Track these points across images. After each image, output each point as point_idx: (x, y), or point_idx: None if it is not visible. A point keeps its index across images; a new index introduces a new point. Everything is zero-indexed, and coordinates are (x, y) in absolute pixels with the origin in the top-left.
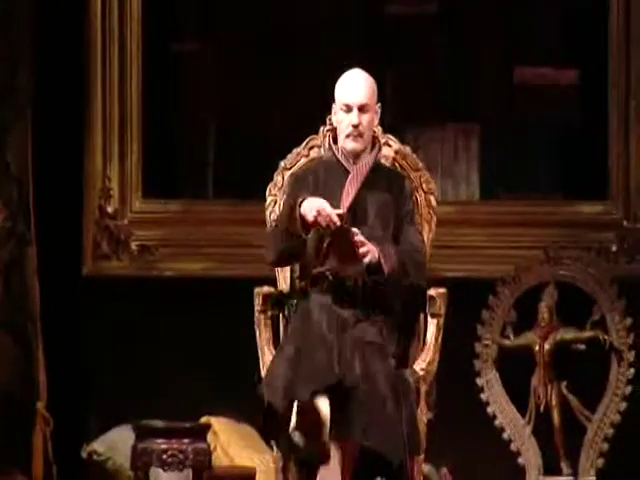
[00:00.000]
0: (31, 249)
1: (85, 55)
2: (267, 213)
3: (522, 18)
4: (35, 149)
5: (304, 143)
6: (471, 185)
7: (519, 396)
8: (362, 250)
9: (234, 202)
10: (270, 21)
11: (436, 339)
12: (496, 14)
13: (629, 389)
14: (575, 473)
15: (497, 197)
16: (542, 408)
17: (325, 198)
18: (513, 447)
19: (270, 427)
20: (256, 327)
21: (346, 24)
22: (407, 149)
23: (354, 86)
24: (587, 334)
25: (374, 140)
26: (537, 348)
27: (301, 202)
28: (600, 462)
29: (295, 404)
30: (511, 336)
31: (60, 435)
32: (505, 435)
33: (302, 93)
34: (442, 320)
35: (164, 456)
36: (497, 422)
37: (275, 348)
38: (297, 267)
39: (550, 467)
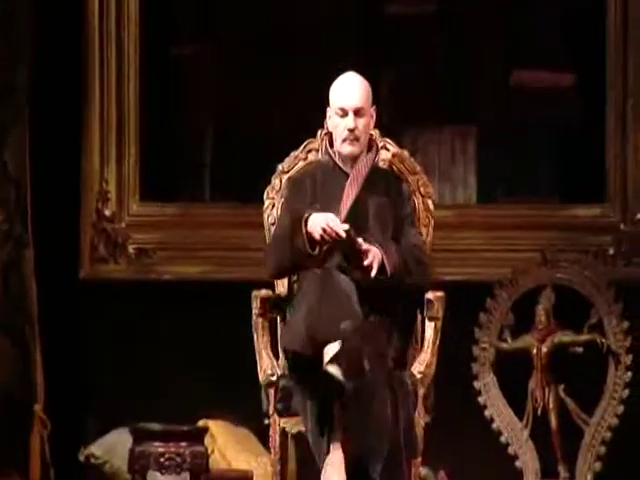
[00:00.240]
0: (28, 251)
1: (82, 57)
2: (265, 216)
3: (519, 21)
4: (32, 151)
5: (302, 146)
6: (468, 188)
7: (516, 399)
8: (368, 261)
9: (232, 205)
10: (268, 23)
11: (434, 342)
12: (494, 17)
13: (626, 392)
14: (572, 476)
15: (495, 200)
16: (539, 411)
17: (323, 201)
18: (510, 450)
19: (297, 371)
20: (254, 330)
21: (343, 29)
22: (405, 152)
23: (349, 90)
24: (584, 337)
25: (371, 143)
26: (534, 351)
27: (306, 219)
28: (597, 466)
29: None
30: (509, 339)
31: (58, 438)
32: (503, 438)
33: (300, 96)
34: (440, 323)
35: (161, 459)
36: (494, 425)
37: (273, 351)
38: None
39: (547, 470)
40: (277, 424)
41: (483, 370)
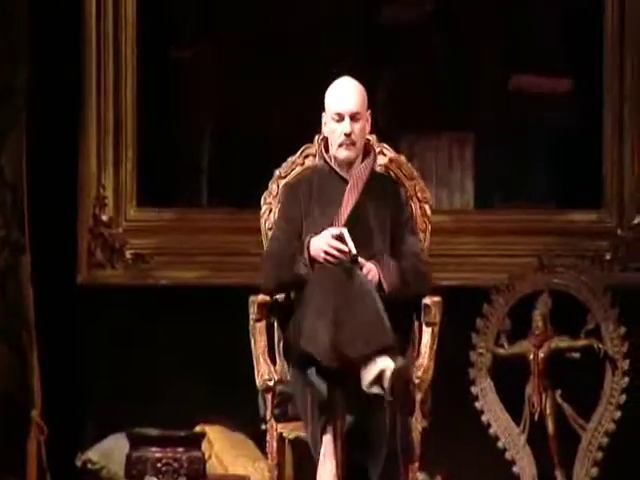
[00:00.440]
0: (25, 257)
1: (80, 61)
2: (262, 221)
3: (517, 26)
4: (29, 156)
5: (299, 152)
6: (466, 193)
7: (514, 405)
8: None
9: (229, 210)
10: (267, 26)
11: (431, 347)
12: (492, 21)
13: (623, 398)
14: None
15: (492, 206)
16: (537, 417)
17: (321, 206)
18: (508, 456)
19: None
20: (251, 335)
21: (342, 32)
22: (402, 158)
23: (344, 95)
24: (581, 342)
25: (368, 147)
26: (531, 357)
27: (308, 242)
28: (594, 471)
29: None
30: (505, 344)
31: (55, 443)
32: (500, 444)
33: (299, 100)
34: (437, 328)
35: (158, 465)
36: (492, 430)
37: (270, 356)
38: None
39: (545, 476)
40: (274, 429)
41: (480, 375)
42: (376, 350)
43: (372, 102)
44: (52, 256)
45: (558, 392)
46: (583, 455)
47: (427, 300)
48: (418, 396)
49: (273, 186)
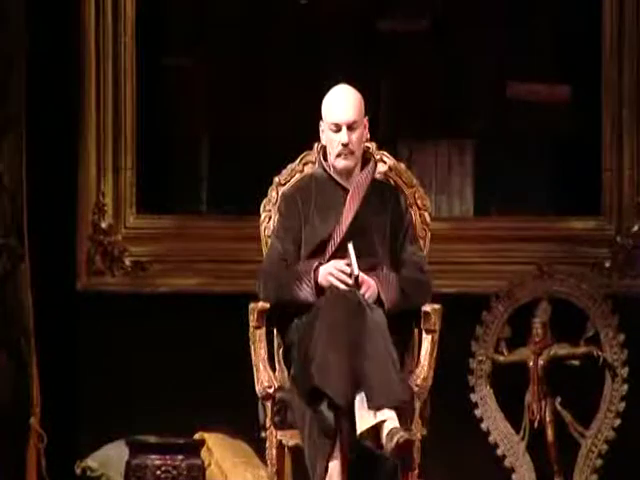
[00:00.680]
0: (24, 264)
1: (79, 69)
2: (261, 229)
3: (515, 34)
4: (28, 164)
5: (298, 159)
6: (465, 201)
7: (513, 412)
8: (361, 291)
9: (228, 218)
10: (263, 36)
11: (430, 354)
12: (490, 30)
13: (623, 405)
14: None
15: (491, 213)
16: (536, 424)
17: (319, 214)
18: (507, 463)
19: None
20: (251, 343)
21: (340, 42)
22: (402, 166)
23: (341, 105)
24: (581, 350)
25: (368, 156)
26: (531, 364)
27: (316, 269)
28: (594, 478)
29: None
30: (505, 352)
31: (54, 451)
32: (499, 451)
33: (296, 108)
34: (436, 335)
35: (158, 472)
36: (491, 438)
37: (270, 363)
38: None
39: None
40: (274, 437)
41: (479, 383)
42: (392, 405)
43: (372, 110)
44: (51, 263)
45: (558, 399)
46: (582, 462)
47: (427, 307)
48: (417, 404)
49: (272, 193)
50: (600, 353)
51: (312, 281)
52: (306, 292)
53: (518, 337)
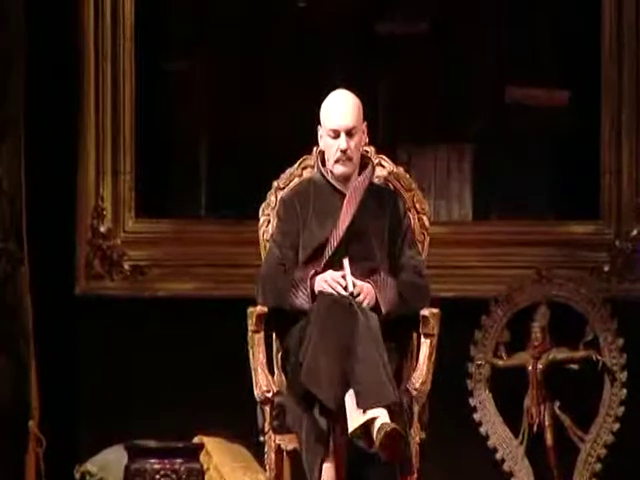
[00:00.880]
0: (23, 268)
1: (78, 72)
2: (260, 233)
3: (514, 37)
4: (27, 167)
5: (297, 163)
6: (464, 205)
7: (512, 416)
8: (360, 298)
9: (227, 222)
10: (262, 39)
11: (429, 359)
12: (488, 34)
13: (622, 410)
14: None
15: (490, 217)
16: (535, 428)
17: (317, 219)
18: (506, 467)
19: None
20: (249, 347)
21: (339, 45)
22: (400, 170)
23: (339, 111)
24: (580, 354)
25: (367, 160)
26: (530, 368)
27: (312, 277)
28: None
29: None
30: (504, 356)
31: (53, 455)
32: (498, 455)
33: (295, 111)
34: (435, 340)
35: (157, 476)
36: (490, 442)
37: (269, 368)
38: None
39: None
40: (273, 441)
41: (478, 387)
42: (382, 405)
43: (371, 114)
44: (50, 267)
45: (557, 404)
46: (582, 467)
47: (425, 312)
48: (416, 408)
49: (271, 197)
50: (599, 357)
51: (308, 289)
52: (302, 299)
53: (517, 341)
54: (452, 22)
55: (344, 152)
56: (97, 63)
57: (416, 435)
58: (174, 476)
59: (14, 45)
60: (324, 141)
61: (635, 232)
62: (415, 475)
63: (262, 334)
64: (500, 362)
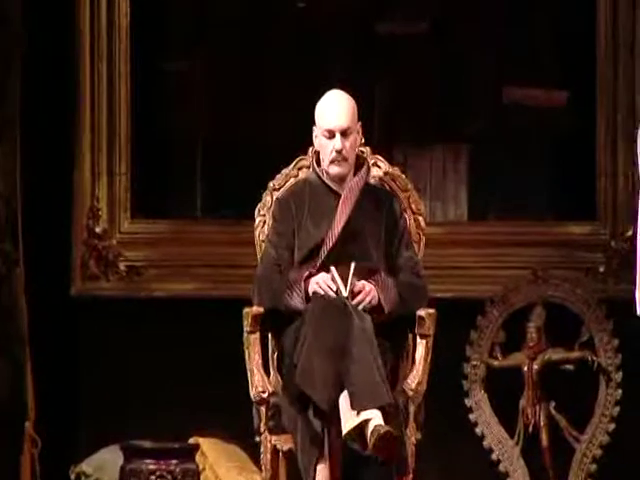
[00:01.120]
0: (19, 269)
1: (74, 73)
2: (256, 233)
3: (512, 38)
4: (23, 168)
5: (293, 163)
6: (460, 206)
7: (507, 417)
8: (360, 297)
9: (224, 222)
10: (261, 38)
11: (425, 359)
12: (486, 34)
13: (617, 410)
14: None
15: (486, 218)
16: (531, 429)
17: (313, 220)
18: (502, 468)
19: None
20: (245, 347)
21: (336, 45)
22: (396, 170)
23: (334, 111)
24: (575, 355)
25: (363, 160)
26: (526, 369)
27: (307, 278)
28: None
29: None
30: (499, 356)
31: (48, 455)
32: (494, 456)
33: (292, 112)
34: (431, 340)
35: (152, 477)
36: (485, 443)
37: (265, 369)
38: None
39: None
40: (268, 441)
41: (474, 387)
42: (378, 406)
43: (367, 114)
44: (46, 268)
45: (552, 404)
46: (577, 467)
47: (421, 312)
48: (411, 408)
49: (267, 198)
50: (594, 358)
51: (302, 290)
52: (296, 301)
53: (512, 342)
54: (452, 22)
55: (339, 152)
56: (93, 64)
57: (412, 435)
58: (169, 477)
59: (12, 46)
60: (319, 141)
61: (631, 232)
62: (411, 475)
63: (258, 335)
64: (496, 362)
